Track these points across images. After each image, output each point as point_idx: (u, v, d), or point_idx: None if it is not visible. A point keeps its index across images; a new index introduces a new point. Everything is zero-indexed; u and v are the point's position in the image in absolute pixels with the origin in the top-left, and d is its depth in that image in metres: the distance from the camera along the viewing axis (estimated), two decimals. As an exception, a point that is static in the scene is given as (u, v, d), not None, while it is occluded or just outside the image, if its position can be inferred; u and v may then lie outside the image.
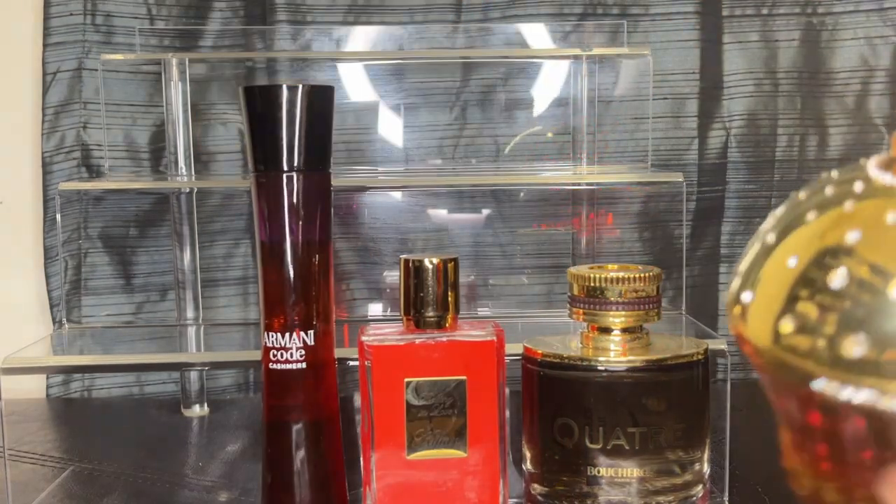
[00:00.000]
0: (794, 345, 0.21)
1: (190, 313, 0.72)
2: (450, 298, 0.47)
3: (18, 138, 0.76)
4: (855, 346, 0.20)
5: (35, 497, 0.55)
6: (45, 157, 0.75)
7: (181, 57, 0.70)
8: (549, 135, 0.76)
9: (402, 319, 0.48)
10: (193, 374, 0.72)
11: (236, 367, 0.76)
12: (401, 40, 0.74)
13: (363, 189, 0.74)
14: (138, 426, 0.70)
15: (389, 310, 0.77)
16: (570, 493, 0.47)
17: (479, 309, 0.76)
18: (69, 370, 0.72)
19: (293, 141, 0.45)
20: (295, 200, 0.45)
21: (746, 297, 0.22)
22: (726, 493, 0.52)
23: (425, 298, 0.47)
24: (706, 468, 0.48)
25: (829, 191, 0.22)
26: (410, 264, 0.47)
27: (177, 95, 0.70)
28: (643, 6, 0.75)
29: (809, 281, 0.21)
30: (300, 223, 0.45)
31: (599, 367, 0.45)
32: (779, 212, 0.23)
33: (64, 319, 0.73)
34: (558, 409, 0.46)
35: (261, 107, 0.45)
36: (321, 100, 0.46)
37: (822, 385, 0.20)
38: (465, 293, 0.76)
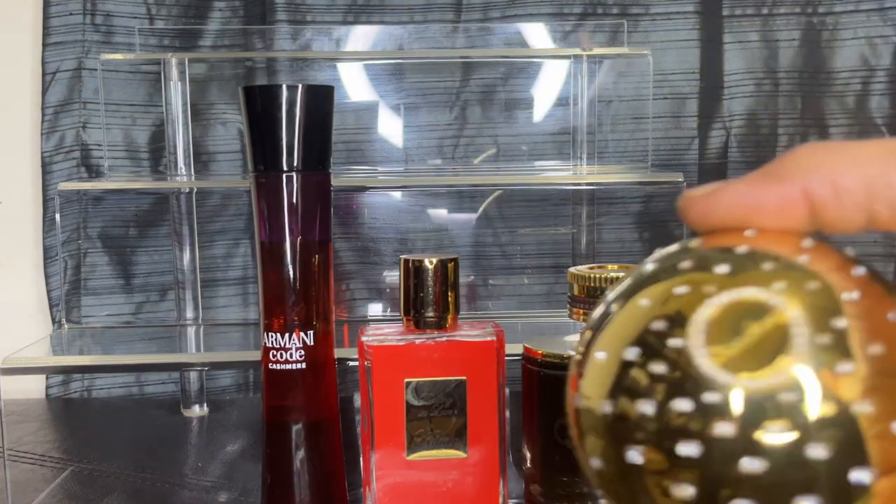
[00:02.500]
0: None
1: (189, 313, 0.72)
2: (450, 299, 0.47)
3: (18, 138, 0.76)
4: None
5: (35, 497, 0.55)
6: (45, 156, 0.75)
7: (181, 57, 0.70)
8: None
9: (401, 320, 0.48)
10: (193, 375, 0.72)
11: (236, 367, 0.76)
12: (400, 40, 0.74)
13: (363, 189, 0.74)
14: (138, 426, 0.70)
15: (389, 310, 0.76)
16: (570, 494, 0.47)
17: (479, 309, 0.76)
18: (69, 370, 0.72)
19: (293, 141, 0.45)
20: (295, 200, 0.45)
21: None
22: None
23: (425, 299, 0.46)
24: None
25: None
26: (410, 264, 0.47)
27: (176, 95, 0.70)
28: (643, 6, 0.75)
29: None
30: (300, 223, 0.45)
31: (599, 368, 0.45)
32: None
33: (63, 319, 0.73)
34: (558, 410, 0.46)
35: (260, 107, 0.45)
36: (321, 100, 0.46)
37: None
38: (465, 293, 0.76)
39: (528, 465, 0.49)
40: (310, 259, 0.46)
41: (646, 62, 0.72)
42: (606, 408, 0.22)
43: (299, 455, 0.47)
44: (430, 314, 0.47)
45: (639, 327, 0.22)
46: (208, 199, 0.75)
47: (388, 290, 0.76)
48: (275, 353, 0.46)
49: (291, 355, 0.46)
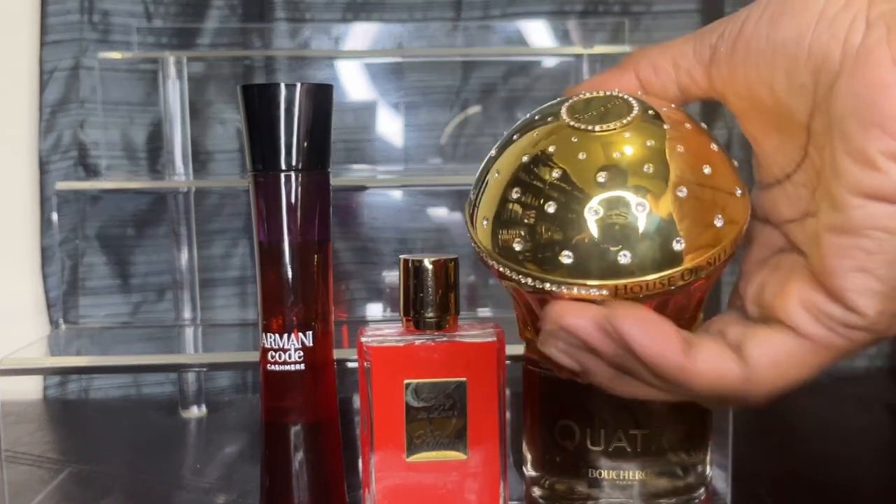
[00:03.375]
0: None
1: (188, 314, 0.72)
2: (450, 299, 0.47)
3: (15, 137, 0.76)
4: (517, 244, 0.33)
5: (32, 499, 0.55)
6: (42, 156, 0.74)
7: (179, 55, 0.70)
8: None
9: (401, 320, 0.47)
10: (191, 375, 0.71)
11: (234, 368, 0.75)
12: (400, 38, 0.74)
13: (362, 188, 0.74)
14: (136, 427, 0.70)
15: (389, 310, 0.76)
16: (571, 496, 0.46)
17: (479, 310, 0.76)
18: (66, 371, 0.72)
19: (292, 140, 0.44)
20: (293, 200, 0.45)
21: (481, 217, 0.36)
22: (728, 497, 0.52)
23: (425, 299, 0.46)
24: (708, 471, 0.47)
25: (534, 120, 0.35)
26: (410, 264, 0.46)
27: (174, 94, 0.70)
28: (645, 4, 0.75)
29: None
30: (299, 223, 0.45)
31: (601, 369, 0.45)
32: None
33: (61, 320, 0.73)
34: (559, 411, 0.46)
35: (259, 105, 0.45)
36: (320, 98, 0.45)
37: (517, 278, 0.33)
38: (465, 293, 0.75)
39: (529, 467, 0.48)
40: (309, 259, 0.45)
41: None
42: (496, 175, 0.35)
43: (298, 457, 0.46)
44: (430, 315, 0.46)
45: (529, 120, 0.35)
46: (206, 199, 0.75)
47: (387, 291, 0.76)
48: (273, 353, 0.45)
49: (290, 356, 0.45)
